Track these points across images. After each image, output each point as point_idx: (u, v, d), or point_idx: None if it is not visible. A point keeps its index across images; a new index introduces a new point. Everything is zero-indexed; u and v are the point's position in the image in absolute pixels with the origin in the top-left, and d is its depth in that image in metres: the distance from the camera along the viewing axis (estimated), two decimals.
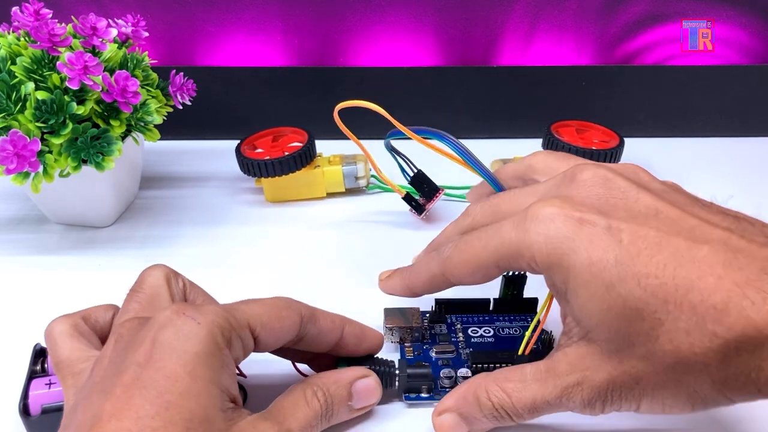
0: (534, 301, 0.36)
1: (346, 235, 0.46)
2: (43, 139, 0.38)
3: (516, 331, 0.35)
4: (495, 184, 0.35)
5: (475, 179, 0.36)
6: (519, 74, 0.58)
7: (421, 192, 0.45)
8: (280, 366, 0.32)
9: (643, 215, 0.25)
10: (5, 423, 0.31)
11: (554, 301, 0.30)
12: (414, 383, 0.31)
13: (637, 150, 0.53)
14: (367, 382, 0.30)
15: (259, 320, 0.26)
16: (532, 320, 0.34)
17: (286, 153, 0.47)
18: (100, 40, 0.41)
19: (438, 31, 0.57)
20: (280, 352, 0.30)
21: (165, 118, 0.44)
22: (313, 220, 0.48)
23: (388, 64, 0.58)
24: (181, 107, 0.46)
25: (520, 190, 0.30)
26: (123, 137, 0.43)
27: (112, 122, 0.40)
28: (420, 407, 0.32)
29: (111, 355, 0.25)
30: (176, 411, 0.22)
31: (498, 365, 0.31)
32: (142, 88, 0.42)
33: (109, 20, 0.43)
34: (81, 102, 0.39)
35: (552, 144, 0.48)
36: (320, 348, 0.30)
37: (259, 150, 0.50)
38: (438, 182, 0.45)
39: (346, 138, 0.42)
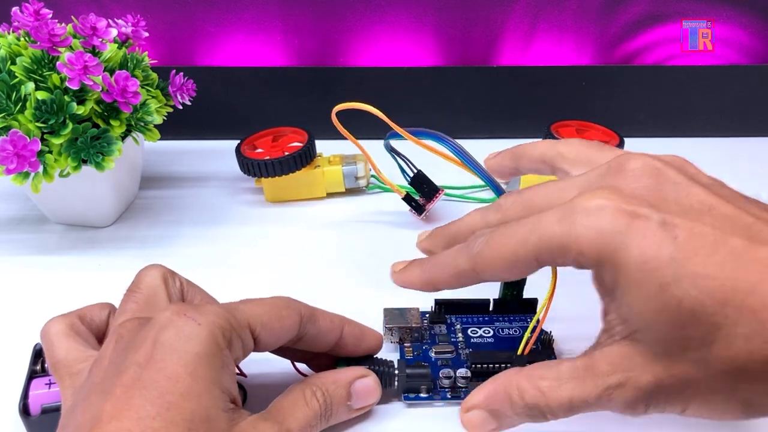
0: (534, 302, 0.36)
1: (346, 235, 0.46)
2: (43, 139, 0.38)
3: (516, 331, 0.35)
4: (493, 185, 0.35)
5: (475, 179, 0.36)
6: (519, 74, 0.58)
7: (421, 192, 0.45)
8: (280, 366, 0.32)
9: (696, 210, 0.23)
10: (5, 423, 0.31)
11: (553, 301, 0.30)
12: (413, 383, 0.31)
13: (637, 150, 0.53)
14: (366, 382, 0.30)
15: (259, 320, 0.26)
16: (531, 321, 0.34)
17: (286, 153, 0.47)
18: (100, 40, 0.41)
19: (438, 31, 0.57)
20: (280, 351, 0.30)
21: (165, 118, 0.44)
22: (313, 220, 0.48)
23: (388, 64, 0.58)
24: (181, 107, 0.46)
25: (556, 183, 0.28)
26: (123, 137, 0.43)
27: (112, 122, 0.40)
28: (419, 407, 0.32)
29: (111, 356, 0.25)
30: (177, 411, 0.22)
31: (497, 365, 0.31)
32: (142, 88, 0.42)
33: (109, 20, 0.43)
34: (81, 102, 0.39)
35: None
36: (320, 348, 0.30)
37: (259, 150, 0.50)
38: (438, 182, 0.45)
39: (346, 138, 0.42)
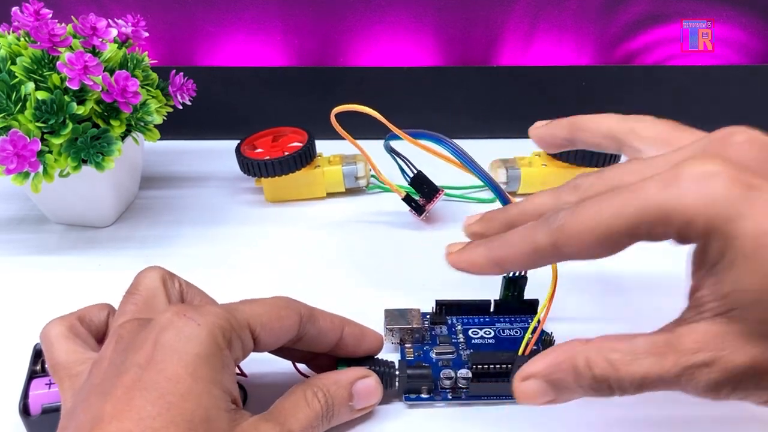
0: (535, 303, 0.36)
1: (346, 235, 0.46)
2: (43, 139, 0.38)
3: (517, 332, 0.35)
4: (492, 186, 0.34)
5: (474, 180, 0.36)
6: (519, 74, 0.58)
7: (421, 193, 0.45)
8: (280, 366, 0.32)
9: None
10: (5, 423, 0.31)
11: (553, 302, 0.30)
12: (414, 384, 0.31)
13: None
14: (368, 383, 0.30)
15: (259, 320, 0.26)
16: (532, 322, 0.34)
17: (286, 153, 0.47)
18: (100, 40, 0.41)
19: (438, 31, 0.57)
20: (280, 352, 0.30)
21: (165, 118, 0.44)
22: (313, 220, 0.48)
23: (388, 64, 0.58)
24: (181, 107, 0.46)
25: (644, 161, 0.25)
26: (123, 137, 0.43)
27: (112, 122, 0.40)
28: (420, 408, 0.32)
29: (111, 357, 0.25)
30: (177, 412, 0.22)
31: (498, 366, 0.31)
32: (142, 88, 0.42)
33: (109, 20, 0.43)
34: (81, 102, 0.39)
35: None
36: (320, 348, 0.30)
37: (259, 150, 0.50)
38: (437, 183, 0.45)
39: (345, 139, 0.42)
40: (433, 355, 0.34)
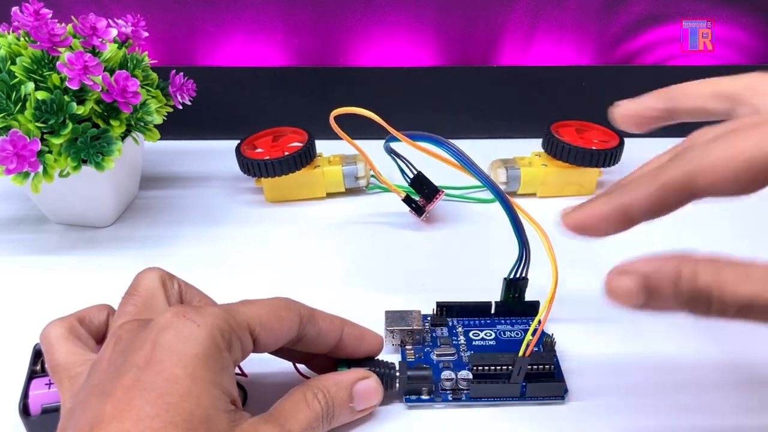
0: (536, 305, 0.36)
1: (346, 236, 0.46)
2: (43, 139, 0.38)
3: (517, 334, 0.35)
4: (491, 187, 0.34)
5: (474, 180, 0.36)
6: (519, 74, 0.58)
7: (421, 193, 0.45)
8: (281, 366, 0.32)
9: None
10: (5, 423, 0.31)
11: (554, 303, 0.30)
12: (414, 385, 0.31)
13: (637, 150, 0.53)
14: (368, 384, 0.30)
15: (259, 321, 0.26)
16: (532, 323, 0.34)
17: (286, 153, 0.47)
18: (100, 40, 0.41)
19: (438, 31, 0.57)
20: (280, 352, 0.30)
21: (165, 118, 0.44)
22: (313, 220, 0.48)
23: (388, 64, 0.58)
24: (181, 107, 0.46)
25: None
26: (123, 137, 0.43)
27: (112, 122, 0.40)
28: (420, 409, 0.32)
29: (110, 358, 0.25)
30: (176, 412, 0.22)
31: (499, 367, 0.31)
32: (142, 88, 0.42)
33: (109, 20, 0.43)
34: (81, 102, 0.39)
35: (552, 144, 0.48)
36: (320, 349, 0.30)
37: (259, 150, 0.50)
38: (437, 183, 0.45)
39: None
40: (434, 357, 0.34)
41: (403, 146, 0.42)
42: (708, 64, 0.58)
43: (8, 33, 0.42)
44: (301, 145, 0.48)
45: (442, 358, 0.33)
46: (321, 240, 0.45)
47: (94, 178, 0.41)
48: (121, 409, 0.22)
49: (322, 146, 0.49)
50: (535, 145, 0.51)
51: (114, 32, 0.43)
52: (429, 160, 0.38)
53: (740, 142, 0.21)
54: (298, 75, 0.57)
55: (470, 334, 0.35)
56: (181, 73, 0.46)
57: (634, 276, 0.23)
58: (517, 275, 0.35)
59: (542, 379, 0.31)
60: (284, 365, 0.32)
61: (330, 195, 0.50)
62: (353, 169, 0.49)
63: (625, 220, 0.24)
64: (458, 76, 0.57)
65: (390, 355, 0.34)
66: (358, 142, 0.43)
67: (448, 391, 0.32)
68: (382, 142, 0.41)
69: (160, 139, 0.44)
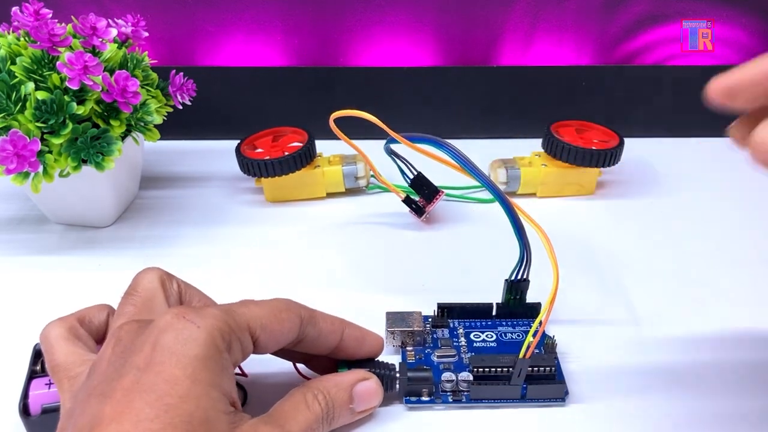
0: (537, 307, 0.36)
1: (346, 236, 0.46)
2: (43, 139, 0.38)
3: (519, 336, 0.35)
4: (491, 188, 0.34)
5: (474, 181, 0.36)
6: (519, 74, 0.58)
7: (421, 194, 0.45)
8: (281, 366, 0.32)
9: None
10: (5, 423, 0.31)
11: (555, 305, 0.30)
12: (414, 386, 0.31)
13: (637, 150, 0.53)
14: (368, 385, 0.30)
15: (259, 322, 0.26)
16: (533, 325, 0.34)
17: (286, 153, 0.47)
18: (100, 40, 0.41)
19: (438, 31, 0.57)
20: (280, 352, 0.30)
21: (165, 118, 0.44)
22: (313, 220, 0.48)
23: (388, 64, 0.58)
24: (181, 107, 0.46)
25: None
26: (123, 137, 0.43)
27: (112, 122, 0.40)
28: (421, 411, 0.32)
29: (110, 359, 0.25)
30: (176, 414, 0.22)
31: (499, 369, 0.31)
32: (142, 88, 0.42)
33: (109, 20, 0.43)
34: (81, 102, 0.39)
35: (552, 144, 0.48)
36: (320, 350, 0.30)
37: (259, 150, 0.50)
38: (437, 183, 0.45)
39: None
40: (435, 358, 0.33)
41: (403, 147, 0.42)
42: (708, 64, 0.58)
43: (8, 33, 0.42)
44: (301, 145, 0.48)
45: (443, 360, 0.33)
46: (321, 240, 0.45)
47: (94, 178, 0.41)
48: (120, 411, 0.22)
49: (322, 146, 0.49)
50: (535, 145, 0.51)
51: (114, 32, 0.43)
52: (429, 160, 0.38)
53: None
54: (298, 75, 0.57)
55: (471, 336, 0.35)
56: (181, 73, 0.46)
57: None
58: (518, 277, 0.35)
59: (543, 381, 0.31)
60: (284, 365, 0.32)
61: (330, 195, 0.50)
62: (353, 169, 0.49)
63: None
64: (458, 76, 0.57)
65: (390, 356, 0.34)
66: (358, 143, 0.43)
67: (448, 393, 0.32)
68: (382, 142, 0.41)
69: (160, 139, 0.44)
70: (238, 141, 0.49)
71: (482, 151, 0.48)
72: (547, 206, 0.49)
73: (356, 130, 0.41)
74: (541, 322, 0.30)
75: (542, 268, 0.32)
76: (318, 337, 0.29)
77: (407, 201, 0.46)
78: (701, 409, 0.31)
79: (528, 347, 0.30)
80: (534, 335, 0.30)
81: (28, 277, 0.42)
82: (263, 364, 0.32)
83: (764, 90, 0.22)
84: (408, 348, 0.34)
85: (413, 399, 0.31)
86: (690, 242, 0.44)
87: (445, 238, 0.46)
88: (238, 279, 0.41)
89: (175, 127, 0.47)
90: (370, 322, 0.32)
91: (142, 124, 0.43)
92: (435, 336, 0.35)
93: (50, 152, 0.39)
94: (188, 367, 0.23)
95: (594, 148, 0.47)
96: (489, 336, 0.35)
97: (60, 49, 0.40)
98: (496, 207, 0.33)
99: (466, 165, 0.34)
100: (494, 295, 0.36)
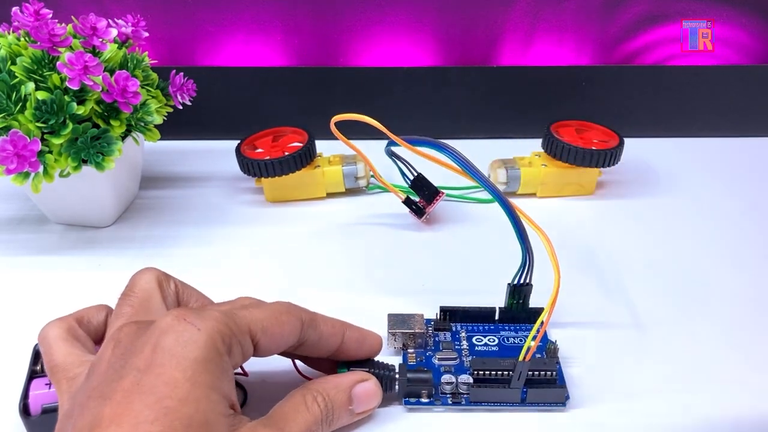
0: (540, 312, 0.36)
1: (346, 236, 0.46)
2: (43, 139, 0.38)
3: (521, 340, 0.35)
4: (491, 189, 0.34)
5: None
6: (519, 74, 0.58)
7: (422, 195, 0.45)
8: (280, 364, 0.32)
9: None
10: (5, 423, 0.31)
11: (557, 308, 0.30)
12: (414, 388, 0.31)
13: (637, 150, 0.53)
14: (367, 386, 0.30)
15: (260, 325, 0.26)
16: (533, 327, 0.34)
17: (286, 153, 0.47)
18: (100, 40, 0.41)
19: (438, 31, 0.57)
20: (281, 353, 0.30)
21: (165, 118, 0.44)
22: (313, 220, 0.48)
23: (388, 64, 0.58)
24: (181, 107, 0.46)
25: None
26: (123, 137, 0.43)
27: (112, 122, 0.40)
28: (420, 412, 0.31)
29: (109, 360, 0.24)
30: (175, 416, 0.22)
31: (500, 372, 0.31)
32: (142, 88, 0.42)
33: (109, 20, 0.43)
34: (81, 102, 0.39)
35: (552, 144, 0.48)
36: (321, 353, 0.30)
37: (259, 150, 0.50)
38: (437, 183, 0.45)
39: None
40: (436, 361, 0.33)
41: (404, 148, 0.42)
42: (708, 64, 0.58)
43: (8, 33, 0.42)
44: (301, 145, 0.48)
45: (444, 363, 0.33)
46: (321, 240, 0.45)
47: (95, 178, 0.41)
48: (120, 413, 0.22)
49: (322, 146, 0.49)
50: (535, 145, 0.51)
51: (114, 32, 0.43)
52: (429, 161, 0.38)
53: None
54: (298, 75, 0.57)
55: (473, 340, 0.35)
56: (181, 73, 0.46)
57: None
58: (521, 281, 0.34)
59: (543, 385, 0.31)
60: (284, 363, 0.32)
61: (330, 195, 0.50)
62: (353, 169, 0.49)
63: None
64: (458, 76, 0.57)
65: (392, 358, 0.34)
66: (359, 143, 0.43)
67: (448, 395, 0.31)
68: (383, 142, 0.41)
69: (160, 139, 0.44)
70: (238, 141, 0.49)
71: (482, 151, 0.48)
72: (547, 206, 0.49)
73: (357, 130, 0.41)
74: (542, 323, 0.30)
75: (543, 268, 0.32)
76: (319, 341, 0.29)
77: (407, 202, 0.46)
78: (704, 413, 0.31)
79: (528, 350, 0.30)
80: (534, 338, 0.30)
81: (28, 277, 0.42)
82: (263, 363, 0.32)
83: None
84: (409, 350, 0.34)
85: (413, 400, 0.31)
86: (690, 242, 0.44)
87: (445, 238, 0.46)
88: (238, 279, 0.41)
89: (175, 127, 0.47)
90: (369, 322, 0.32)
91: (142, 124, 0.43)
92: (437, 339, 0.35)
93: (50, 152, 0.39)
94: (188, 370, 0.23)
95: (594, 148, 0.47)
96: (491, 340, 0.35)
97: (60, 49, 0.40)
98: (496, 207, 0.33)
99: (469, 169, 0.34)
100: (494, 296, 0.36)
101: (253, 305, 0.27)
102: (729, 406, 0.32)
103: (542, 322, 0.30)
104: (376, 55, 0.58)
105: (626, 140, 0.49)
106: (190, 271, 0.34)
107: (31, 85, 0.38)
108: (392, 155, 0.43)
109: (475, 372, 0.31)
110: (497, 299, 0.36)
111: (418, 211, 0.46)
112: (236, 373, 0.27)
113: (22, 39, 0.41)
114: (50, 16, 0.41)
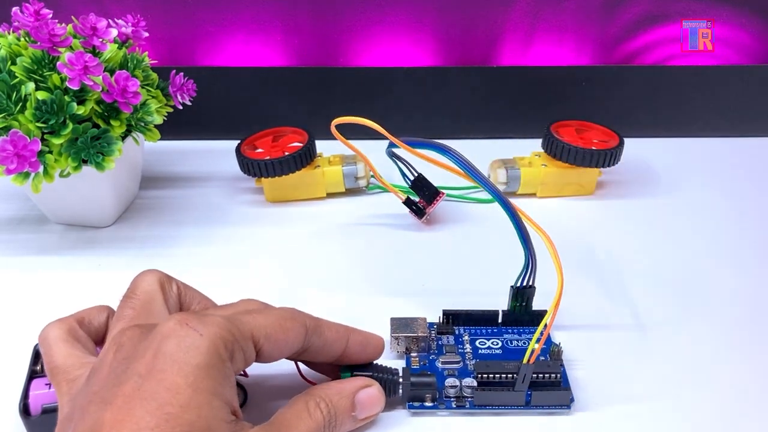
0: (543, 314, 0.36)
1: (346, 236, 0.46)
2: (43, 139, 0.38)
3: (524, 343, 0.35)
4: (492, 189, 0.34)
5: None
6: (519, 74, 0.58)
7: (422, 195, 0.45)
8: (282, 366, 0.31)
9: None
10: (5, 423, 0.31)
11: (560, 310, 0.30)
12: (418, 392, 0.31)
13: (637, 150, 0.53)
14: (370, 392, 0.29)
15: (263, 332, 0.26)
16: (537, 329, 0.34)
17: (286, 153, 0.47)
18: (100, 40, 0.41)
19: (438, 31, 0.57)
20: None
21: (165, 118, 0.44)
22: (313, 221, 0.48)
23: (388, 64, 0.58)
24: (181, 107, 0.46)
25: None
26: (123, 137, 0.43)
27: (112, 122, 0.40)
28: (424, 416, 0.31)
29: (111, 364, 0.24)
30: (177, 423, 0.22)
31: (504, 375, 0.31)
32: (142, 88, 0.42)
33: (109, 20, 0.43)
34: (81, 102, 0.39)
35: (552, 144, 0.48)
36: (324, 359, 0.30)
37: (259, 150, 0.50)
38: (437, 183, 0.45)
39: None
40: (439, 365, 0.33)
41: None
42: (708, 64, 0.58)
43: (8, 33, 0.42)
44: (301, 145, 0.48)
45: (447, 366, 0.33)
46: (321, 240, 0.45)
47: (95, 178, 0.41)
48: (120, 419, 0.22)
49: (322, 146, 0.49)
50: (535, 145, 0.51)
51: (114, 32, 0.43)
52: (429, 162, 0.38)
53: None
54: (298, 75, 0.57)
55: (476, 343, 0.35)
56: (182, 73, 0.46)
57: None
58: (524, 283, 0.34)
59: (548, 387, 0.31)
60: (285, 365, 0.31)
61: (330, 195, 0.50)
62: (353, 169, 0.49)
63: None
64: (458, 76, 0.57)
65: (395, 362, 0.33)
66: (359, 143, 0.43)
67: (452, 399, 0.31)
68: (383, 143, 0.41)
69: (160, 139, 0.44)
70: (238, 141, 0.49)
71: (482, 151, 0.48)
72: (547, 206, 0.49)
73: (357, 131, 0.41)
74: (546, 325, 0.30)
75: (545, 269, 0.32)
76: (323, 347, 0.29)
77: (408, 202, 0.46)
78: (709, 415, 0.31)
79: (532, 353, 0.30)
80: (538, 341, 0.30)
81: (28, 277, 0.42)
82: (264, 365, 0.31)
83: None
84: (412, 354, 0.34)
85: (416, 404, 0.31)
86: (690, 242, 0.44)
87: (445, 239, 0.46)
88: (238, 279, 0.41)
89: (175, 127, 0.47)
90: (369, 322, 0.32)
91: (143, 124, 0.43)
92: (440, 342, 0.35)
93: (50, 152, 0.38)
94: (190, 376, 0.23)
95: (594, 148, 0.47)
96: (495, 343, 0.35)
97: (60, 49, 0.39)
98: (496, 207, 0.32)
99: (471, 171, 0.33)
100: (495, 296, 0.36)
101: (257, 310, 0.27)
102: (735, 408, 0.32)
103: (546, 325, 0.30)
104: (376, 55, 0.58)
105: (626, 140, 0.49)
106: (190, 271, 0.34)
107: (31, 85, 0.38)
108: (393, 156, 0.43)
109: (479, 375, 0.31)
110: (498, 300, 0.36)
111: (418, 211, 0.46)
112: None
113: (22, 39, 0.41)
114: (50, 16, 0.41)
